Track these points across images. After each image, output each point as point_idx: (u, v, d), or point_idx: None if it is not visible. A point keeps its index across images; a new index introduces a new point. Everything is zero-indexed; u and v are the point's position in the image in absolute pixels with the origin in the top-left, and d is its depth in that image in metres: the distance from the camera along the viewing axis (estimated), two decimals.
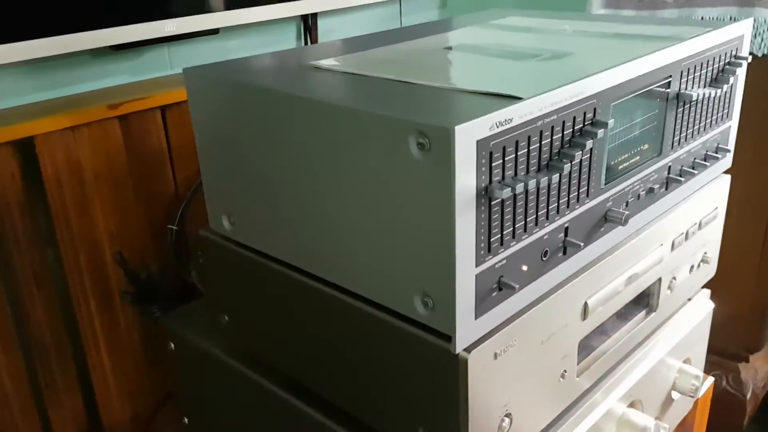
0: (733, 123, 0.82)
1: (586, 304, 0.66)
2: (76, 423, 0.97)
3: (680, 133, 0.72)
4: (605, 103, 0.59)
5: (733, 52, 0.76)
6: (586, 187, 0.61)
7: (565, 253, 0.61)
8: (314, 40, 1.23)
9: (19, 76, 0.90)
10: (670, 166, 0.72)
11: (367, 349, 0.61)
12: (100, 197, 0.91)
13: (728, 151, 0.81)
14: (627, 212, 0.65)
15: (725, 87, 0.75)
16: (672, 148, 0.72)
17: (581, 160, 0.59)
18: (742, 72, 0.78)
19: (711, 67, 0.73)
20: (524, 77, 0.59)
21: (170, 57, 1.03)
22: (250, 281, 0.71)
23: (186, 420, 0.90)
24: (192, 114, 0.68)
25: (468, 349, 0.55)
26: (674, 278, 0.80)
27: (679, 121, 0.71)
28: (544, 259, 0.59)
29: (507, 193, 0.51)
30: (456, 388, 0.55)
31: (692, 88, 0.71)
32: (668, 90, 0.68)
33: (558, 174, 0.55)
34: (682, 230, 0.78)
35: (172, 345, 0.87)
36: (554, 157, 0.56)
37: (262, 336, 0.73)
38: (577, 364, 0.67)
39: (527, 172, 0.54)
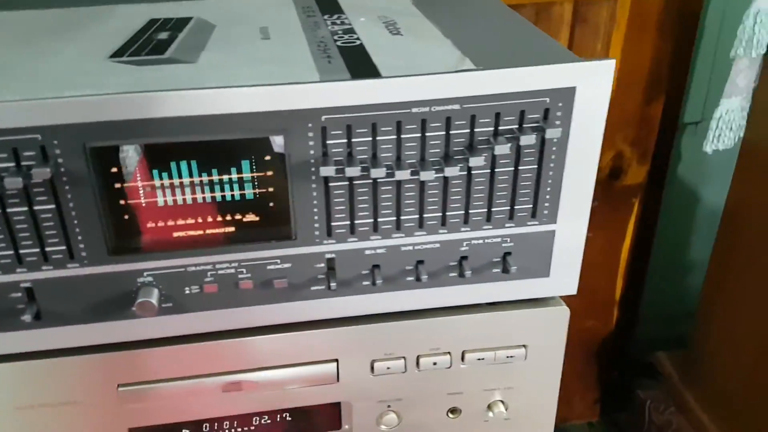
0: (561, 228, 0.50)
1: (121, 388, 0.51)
2: None
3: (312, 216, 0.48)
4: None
5: (536, 115, 0.46)
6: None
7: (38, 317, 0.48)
8: None
9: None
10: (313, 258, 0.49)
11: None
12: None
13: (509, 270, 0.50)
14: (152, 301, 0.47)
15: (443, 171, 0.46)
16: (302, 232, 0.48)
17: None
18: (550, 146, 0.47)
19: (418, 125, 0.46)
20: None
21: None
22: None
23: None
24: None
25: None
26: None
27: (303, 197, 0.47)
28: None
29: None
30: None
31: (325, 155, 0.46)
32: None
33: None
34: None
35: None
36: None
37: None
38: None
39: None
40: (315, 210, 0.47)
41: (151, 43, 0.51)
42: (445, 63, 0.46)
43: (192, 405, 0.54)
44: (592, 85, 0.45)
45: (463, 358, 0.54)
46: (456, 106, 0.45)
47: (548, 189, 0.49)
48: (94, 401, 0.51)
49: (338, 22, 0.56)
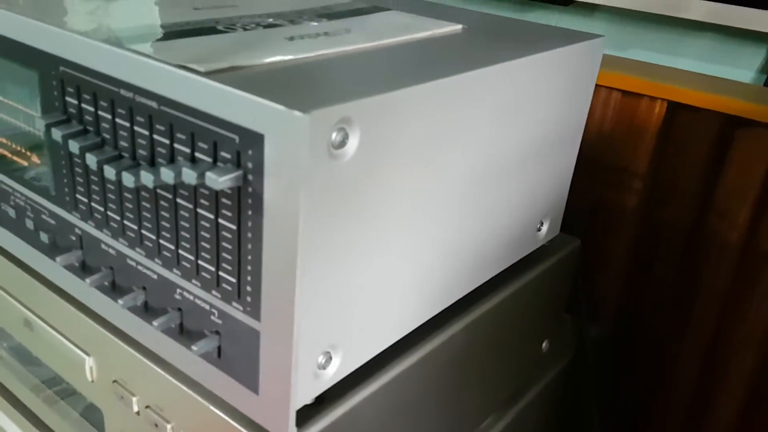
0: (267, 333, 0.35)
1: None
2: None
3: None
4: None
5: (228, 155, 0.33)
6: None
7: None
8: None
9: None
10: None
11: None
12: None
13: (221, 356, 0.37)
14: None
15: None
16: None
17: None
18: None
19: None
20: None
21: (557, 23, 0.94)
22: None
23: None
24: None
25: None
26: None
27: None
28: None
29: None
30: None
31: None
32: None
33: None
34: None
35: None
36: None
37: None
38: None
39: None
40: (64, 172, 0.43)
41: None
42: (199, 59, 0.36)
43: (18, 330, 0.54)
44: (283, 139, 0.31)
45: None
46: (153, 104, 0.35)
47: (249, 267, 0.35)
48: None
49: (291, 21, 0.48)
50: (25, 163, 0.46)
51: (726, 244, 0.74)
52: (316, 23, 0.48)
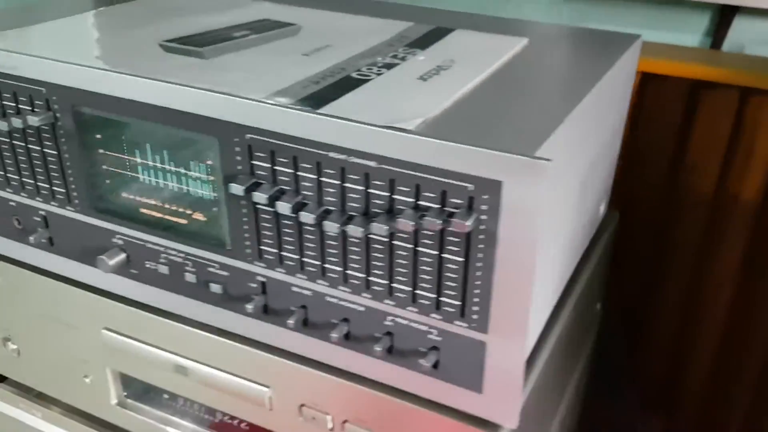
0: (494, 342, 0.42)
1: (105, 330, 0.57)
2: None
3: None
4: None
5: (459, 200, 0.39)
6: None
7: (51, 243, 0.56)
8: (718, 45, 0.93)
9: None
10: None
11: None
12: None
13: (438, 367, 0.43)
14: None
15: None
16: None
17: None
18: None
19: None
20: None
21: None
22: None
23: None
24: None
25: None
26: None
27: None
28: (18, 226, 0.57)
29: None
30: None
31: None
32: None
33: None
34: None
35: None
36: None
37: None
38: (123, 391, 0.61)
39: None
40: (246, 227, 0.46)
41: (210, 36, 0.55)
42: (397, 117, 0.41)
43: (157, 374, 0.57)
44: (522, 184, 0.37)
45: None
46: (373, 163, 0.40)
47: (476, 291, 0.41)
48: (86, 331, 0.58)
49: (397, 57, 0.53)
50: (185, 222, 0.49)
51: (699, 193, 0.85)
52: (421, 57, 0.53)
